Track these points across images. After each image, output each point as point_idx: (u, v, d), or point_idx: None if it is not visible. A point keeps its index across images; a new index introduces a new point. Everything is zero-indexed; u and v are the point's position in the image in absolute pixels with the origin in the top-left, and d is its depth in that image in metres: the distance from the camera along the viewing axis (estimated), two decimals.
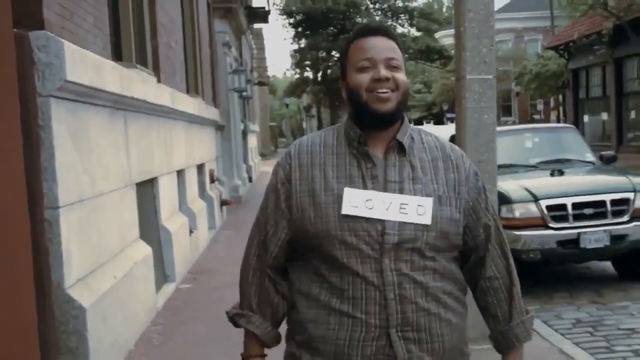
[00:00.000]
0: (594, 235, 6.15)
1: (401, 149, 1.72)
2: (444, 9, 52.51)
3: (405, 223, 1.65)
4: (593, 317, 5.71)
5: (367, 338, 1.64)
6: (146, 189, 6.18)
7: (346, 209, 1.65)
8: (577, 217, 6.24)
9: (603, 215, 6.26)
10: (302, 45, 39.19)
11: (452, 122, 52.32)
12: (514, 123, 17.35)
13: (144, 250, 5.50)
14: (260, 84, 25.57)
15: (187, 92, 9.14)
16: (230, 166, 14.33)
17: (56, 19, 3.79)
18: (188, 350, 4.84)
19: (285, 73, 55.09)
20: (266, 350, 1.85)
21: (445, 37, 55.11)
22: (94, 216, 4.31)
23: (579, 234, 6.15)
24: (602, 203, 6.27)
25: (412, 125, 1.81)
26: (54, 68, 3.57)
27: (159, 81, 6.85)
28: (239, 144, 16.51)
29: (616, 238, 6.20)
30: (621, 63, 24.76)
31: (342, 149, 1.73)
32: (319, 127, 44.79)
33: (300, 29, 33.36)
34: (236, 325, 1.83)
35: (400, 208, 1.65)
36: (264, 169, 25.41)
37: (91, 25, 4.54)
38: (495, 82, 4.79)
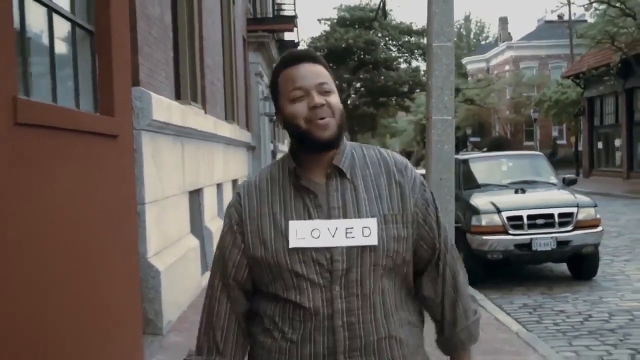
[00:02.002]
0: (543, 240, 7.82)
1: (341, 172, 1.73)
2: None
3: (352, 247, 1.65)
4: (537, 302, 7.36)
5: None
6: (195, 197, 8.01)
7: (293, 242, 1.66)
8: (530, 226, 7.92)
9: (552, 225, 7.94)
10: None
11: (474, 145, 52.40)
12: (479, 150, 19.17)
13: (194, 242, 7.32)
14: None
15: (226, 119, 11.02)
16: None
17: (146, 77, 5.65)
18: None
19: None
20: None
21: (469, 64, 56.73)
22: (163, 212, 6.12)
23: (531, 239, 7.83)
24: (551, 215, 7.95)
25: (350, 142, 1.84)
26: (145, 111, 5.41)
27: (205, 112, 8.71)
28: (268, 162, 18.37)
29: (561, 243, 7.87)
30: (632, 93, 26.14)
31: (287, 181, 1.74)
32: None
33: None
34: None
35: (347, 232, 1.66)
36: None
37: (164, 78, 6.41)
38: (454, 121, 6.51)
